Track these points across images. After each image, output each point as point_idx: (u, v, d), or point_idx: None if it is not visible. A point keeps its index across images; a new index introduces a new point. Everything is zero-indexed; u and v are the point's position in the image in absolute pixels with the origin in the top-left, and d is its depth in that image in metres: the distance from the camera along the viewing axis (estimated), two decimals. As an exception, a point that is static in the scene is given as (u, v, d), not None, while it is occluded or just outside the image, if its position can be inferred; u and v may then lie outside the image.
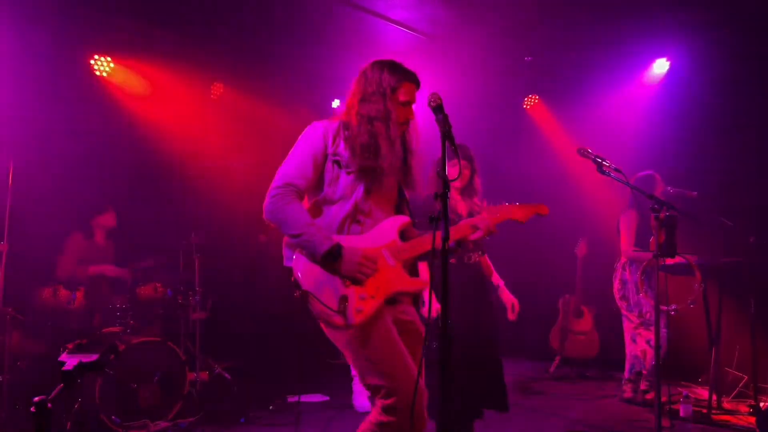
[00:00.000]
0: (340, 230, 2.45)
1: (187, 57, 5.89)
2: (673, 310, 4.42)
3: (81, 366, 1.44)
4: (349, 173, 2.47)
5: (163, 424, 4.30)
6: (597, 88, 6.33)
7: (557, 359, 6.13)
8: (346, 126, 2.52)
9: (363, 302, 2.35)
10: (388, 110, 2.50)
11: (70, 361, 1.46)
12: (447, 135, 2.33)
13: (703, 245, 5.04)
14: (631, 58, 6.11)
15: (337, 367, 6.22)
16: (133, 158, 5.82)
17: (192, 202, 6.09)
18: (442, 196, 2.04)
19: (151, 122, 5.93)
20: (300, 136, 2.55)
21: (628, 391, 5.16)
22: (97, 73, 5.54)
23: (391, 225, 2.53)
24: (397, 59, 2.64)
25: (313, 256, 2.34)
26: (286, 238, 2.45)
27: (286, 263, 2.46)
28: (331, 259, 2.32)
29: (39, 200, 4.81)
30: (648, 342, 4.88)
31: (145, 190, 5.88)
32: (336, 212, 2.47)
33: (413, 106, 2.62)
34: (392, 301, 2.47)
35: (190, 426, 4.39)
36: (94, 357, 1.46)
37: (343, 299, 2.33)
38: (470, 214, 3.81)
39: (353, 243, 2.40)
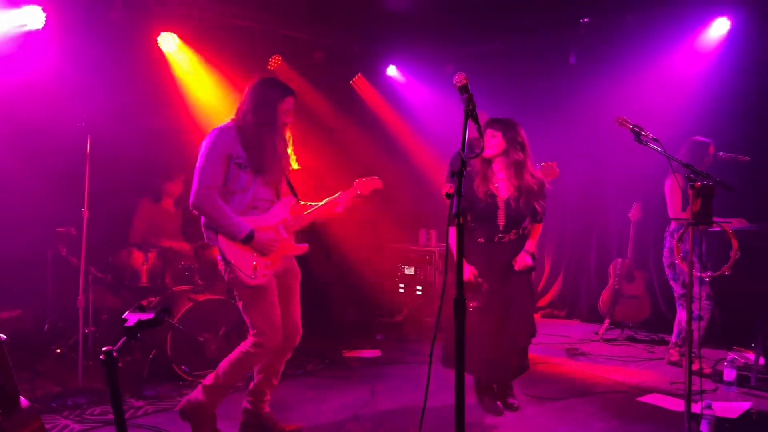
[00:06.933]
0: (243, 213, 3.29)
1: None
2: (708, 276, 4.42)
3: (140, 323, 1.75)
4: (246, 171, 3.28)
5: (227, 373, 4.74)
6: (653, 49, 6.18)
7: (606, 322, 6.21)
8: (240, 131, 3.28)
9: (267, 268, 3.34)
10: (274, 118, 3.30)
11: (131, 318, 1.77)
12: (471, 114, 2.47)
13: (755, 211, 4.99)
14: (688, 18, 5.92)
15: (388, 326, 6.53)
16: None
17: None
18: (459, 174, 2.19)
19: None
20: (206, 144, 3.27)
21: (674, 354, 5.23)
22: (164, 49, 5.82)
23: (283, 206, 3.48)
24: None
25: (233, 239, 3.24)
26: (205, 222, 3.33)
27: (207, 241, 3.37)
28: (247, 241, 3.24)
29: (115, 169, 5.16)
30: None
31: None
32: (239, 200, 3.31)
33: None
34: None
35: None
36: (150, 316, 1.77)
37: (255, 267, 3.29)
38: (512, 194, 3.89)
39: (259, 223, 3.33)
